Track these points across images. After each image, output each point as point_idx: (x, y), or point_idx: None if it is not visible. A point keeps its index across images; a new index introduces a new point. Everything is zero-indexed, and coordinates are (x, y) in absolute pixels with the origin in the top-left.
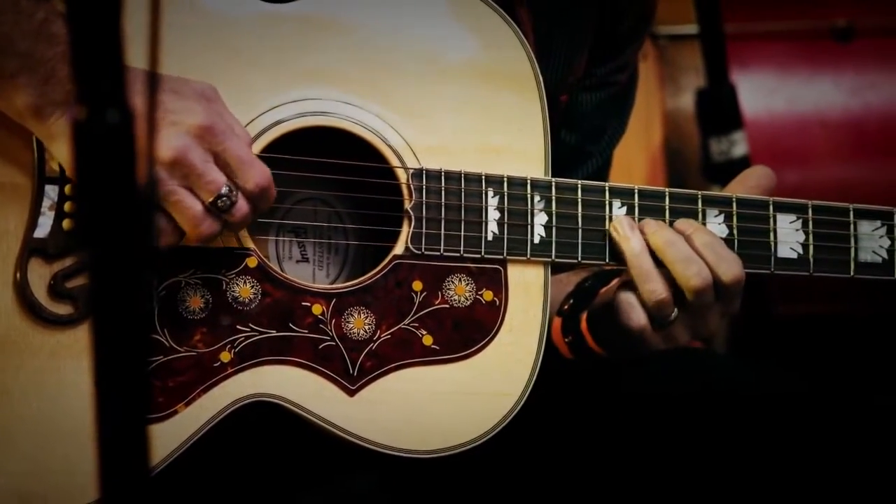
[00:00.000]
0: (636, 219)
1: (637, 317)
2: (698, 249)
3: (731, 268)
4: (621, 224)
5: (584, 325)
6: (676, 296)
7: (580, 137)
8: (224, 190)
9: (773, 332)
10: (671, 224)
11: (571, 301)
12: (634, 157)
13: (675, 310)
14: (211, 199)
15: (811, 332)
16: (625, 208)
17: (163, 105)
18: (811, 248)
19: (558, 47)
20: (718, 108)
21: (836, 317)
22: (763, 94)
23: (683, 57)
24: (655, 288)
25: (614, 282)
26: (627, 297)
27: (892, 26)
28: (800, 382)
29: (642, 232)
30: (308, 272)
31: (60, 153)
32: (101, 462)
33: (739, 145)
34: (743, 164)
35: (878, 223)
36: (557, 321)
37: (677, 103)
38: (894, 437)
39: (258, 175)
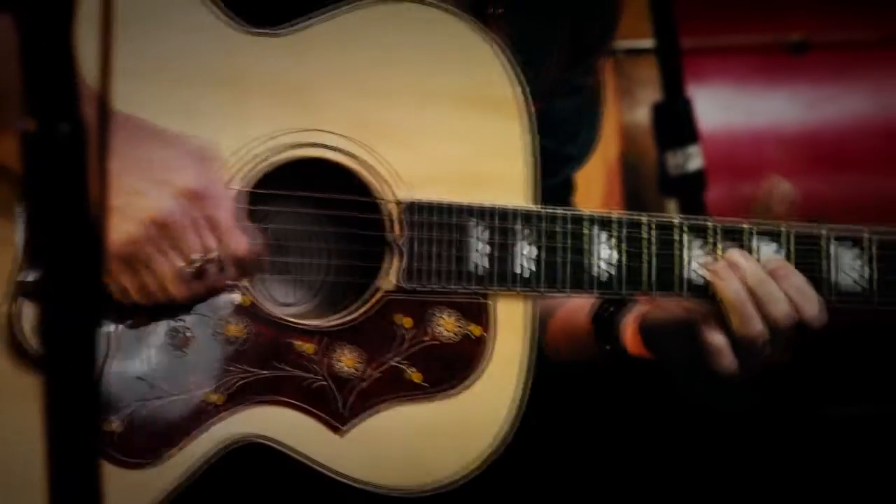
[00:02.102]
0: (623, 251)
1: (728, 361)
2: (787, 289)
3: (815, 310)
4: (721, 269)
5: (629, 338)
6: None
7: (559, 143)
8: (208, 255)
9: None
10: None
11: (608, 307)
12: (591, 171)
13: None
14: (196, 265)
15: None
16: (612, 239)
17: (157, 159)
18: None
19: (531, 56)
20: (674, 122)
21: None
22: (719, 107)
23: (640, 71)
24: (763, 329)
25: (684, 310)
26: (717, 342)
27: (846, 40)
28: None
29: (737, 269)
30: (288, 287)
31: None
32: None
33: (695, 159)
34: (698, 177)
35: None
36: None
37: (634, 117)
38: (844, 448)
39: (244, 244)
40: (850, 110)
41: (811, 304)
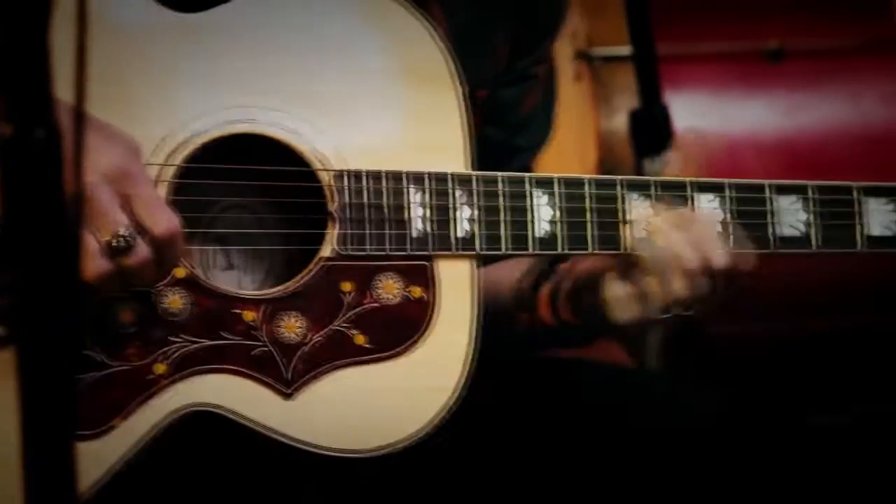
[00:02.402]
0: (558, 208)
1: (626, 314)
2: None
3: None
4: (654, 221)
5: (545, 299)
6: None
7: (506, 133)
8: (122, 231)
9: (707, 353)
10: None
11: (530, 278)
12: None
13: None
14: (106, 239)
15: (746, 353)
16: (546, 197)
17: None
18: (730, 226)
19: (474, 43)
20: (652, 129)
21: (769, 338)
22: (696, 114)
23: (617, 78)
24: (680, 285)
25: (588, 265)
26: (616, 295)
27: (822, 48)
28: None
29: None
30: (234, 280)
31: None
32: (27, 487)
33: (672, 165)
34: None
35: (795, 197)
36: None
37: (611, 124)
38: (830, 458)
39: (165, 221)
40: (828, 117)
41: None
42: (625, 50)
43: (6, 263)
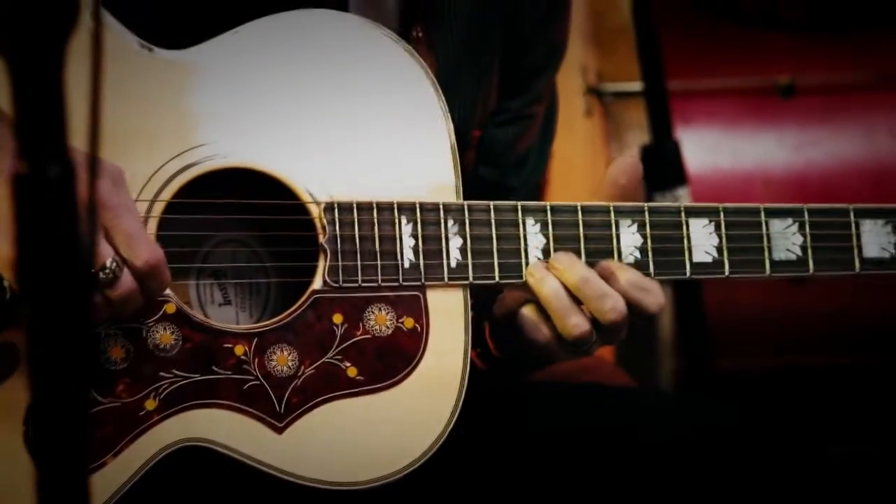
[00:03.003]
0: (551, 237)
1: (541, 333)
2: (621, 287)
3: (655, 298)
4: (535, 268)
5: (487, 335)
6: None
7: (500, 172)
8: (108, 263)
9: (715, 386)
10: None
11: (473, 313)
12: None
13: (594, 335)
14: (93, 271)
15: (763, 385)
16: (538, 225)
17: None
18: (725, 250)
19: (464, 83)
20: (663, 164)
21: (780, 369)
22: (707, 149)
23: (628, 114)
24: (578, 321)
25: (511, 293)
26: (529, 315)
27: (833, 83)
28: (733, 415)
29: (554, 269)
30: (231, 315)
31: None
32: None
33: (684, 201)
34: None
35: (790, 220)
36: None
37: None
38: (848, 487)
39: (148, 252)
40: (838, 153)
41: (651, 296)
42: (636, 86)
43: (4, 305)
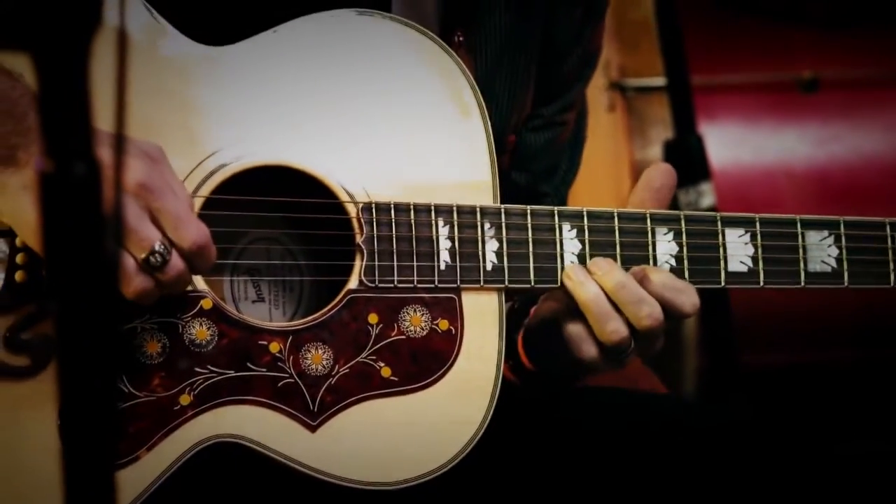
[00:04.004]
0: (587, 242)
1: (589, 349)
2: (655, 289)
3: (690, 298)
4: (574, 271)
5: (520, 347)
6: (631, 330)
7: (532, 178)
8: (157, 247)
9: (738, 382)
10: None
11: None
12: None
13: (632, 343)
14: (143, 256)
15: (776, 382)
16: (575, 230)
17: (104, 158)
18: (760, 260)
19: (501, 88)
20: (686, 160)
21: (800, 366)
22: (730, 145)
23: (651, 109)
24: (617, 327)
25: (548, 304)
26: (577, 331)
27: (855, 78)
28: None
29: (593, 274)
30: (265, 311)
31: (9, 206)
32: None
33: (707, 196)
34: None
35: (826, 233)
36: None
37: (645, 155)
38: (857, 485)
39: (194, 233)
40: (861, 147)
41: (684, 295)
42: (659, 81)
43: (41, 297)
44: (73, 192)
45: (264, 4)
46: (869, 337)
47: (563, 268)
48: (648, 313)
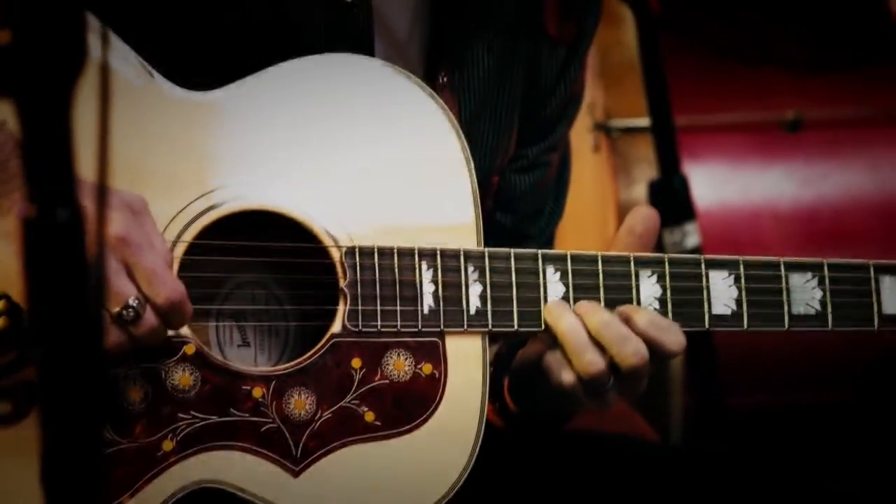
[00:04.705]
0: (571, 285)
1: (567, 376)
2: (640, 328)
3: (675, 337)
4: (553, 306)
5: (505, 390)
6: (612, 366)
7: (517, 219)
8: (131, 301)
9: (727, 423)
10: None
11: (491, 368)
12: (589, 249)
13: (611, 378)
14: (116, 310)
15: (766, 422)
16: (558, 274)
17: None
18: (744, 303)
19: (485, 129)
20: (671, 200)
21: (789, 406)
22: (715, 184)
23: (636, 149)
24: (593, 359)
25: (533, 345)
26: (556, 358)
27: (840, 118)
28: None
29: (579, 315)
30: (250, 356)
31: None
32: None
33: (692, 236)
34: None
35: (810, 275)
36: None
37: (630, 195)
38: None
39: (169, 290)
40: (846, 187)
41: (670, 334)
42: (643, 121)
43: (22, 344)
44: (56, 240)
45: (246, 50)
46: (858, 377)
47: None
48: (633, 352)
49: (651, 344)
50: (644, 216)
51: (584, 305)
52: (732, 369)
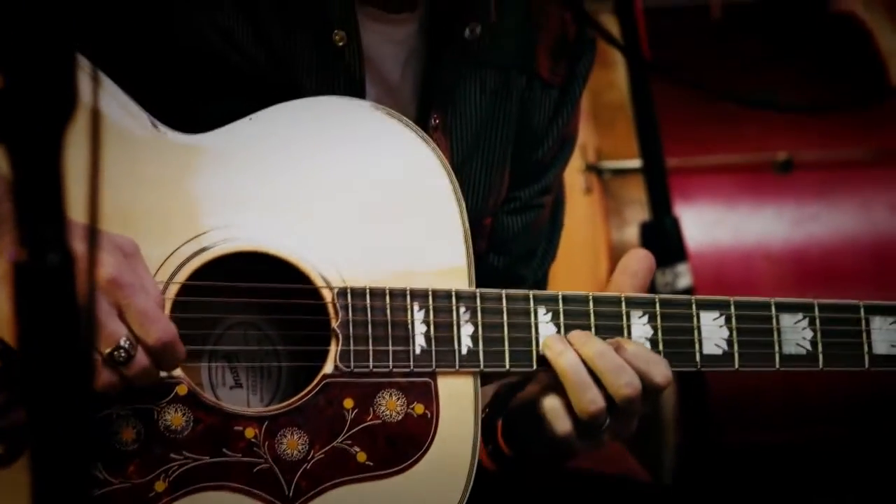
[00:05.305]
0: (562, 325)
1: (563, 424)
2: (628, 359)
3: (661, 370)
4: (553, 341)
5: (499, 433)
6: (608, 404)
7: (509, 261)
8: (122, 342)
9: (719, 463)
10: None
11: (487, 410)
12: (581, 290)
13: (608, 418)
14: (108, 351)
15: (758, 461)
16: (550, 314)
17: (77, 252)
18: (735, 343)
19: (477, 171)
20: (663, 241)
21: (780, 445)
22: (707, 225)
23: (627, 190)
24: (594, 397)
25: (530, 388)
26: (552, 406)
27: (831, 159)
28: None
29: (572, 344)
30: (242, 397)
31: None
32: None
33: (684, 277)
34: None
35: (800, 315)
36: None
37: (622, 236)
38: None
39: (160, 330)
40: (837, 227)
41: (656, 366)
42: (635, 162)
43: (14, 386)
44: (47, 283)
45: (237, 93)
46: (853, 414)
47: (538, 352)
48: (627, 381)
49: (638, 375)
50: (639, 257)
51: (578, 335)
52: (725, 408)
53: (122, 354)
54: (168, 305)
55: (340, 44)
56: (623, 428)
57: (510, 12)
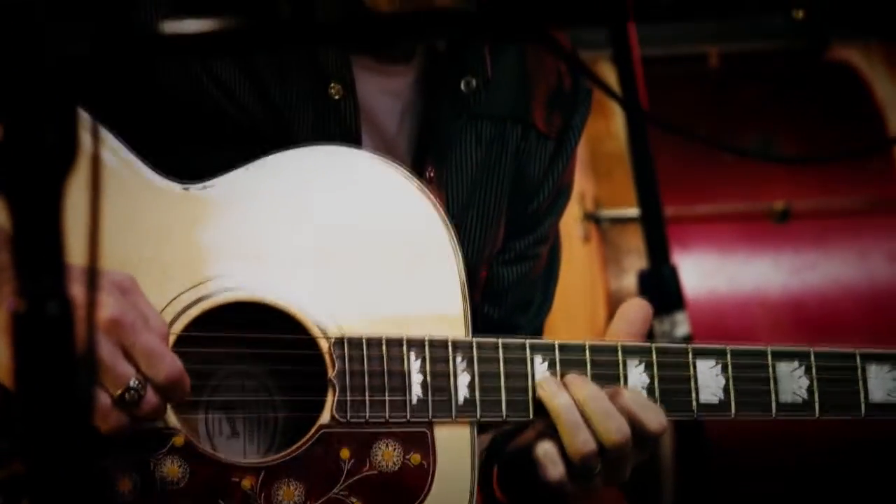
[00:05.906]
0: (559, 374)
1: (556, 469)
2: (623, 404)
3: (657, 417)
4: (548, 382)
5: (494, 479)
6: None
7: (505, 311)
8: (132, 383)
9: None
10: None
11: (483, 456)
12: (579, 338)
13: (599, 462)
14: (118, 393)
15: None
16: (546, 363)
17: (77, 295)
18: (732, 391)
19: (473, 222)
20: (661, 289)
21: (778, 494)
22: (704, 274)
23: (625, 239)
24: (587, 438)
25: (525, 435)
26: (546, 451)
27: (828, 208)
28: None
29: (567, 386)
30: (239, 447)
31: None
32: None
33: (682, 325)
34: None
35: (797, 363)
36: None
37: (620, 284)
38: None
39: (168, 368)
40: (834, 276)
41: (651, 413)
42: (633, 211)
43: (14, 436)
44: (46, 332)
45: (235, 143)
46: (853, 462)
47: (535, 401)
48: (617, 427)
49: (633, 421)
50: (637, 306)
51: (573, 378)
52: (723, 455)
53: (134, 395)
54: (171, 339)
55: (336, 97)
56: (616, 473)
57: (506, 66)
